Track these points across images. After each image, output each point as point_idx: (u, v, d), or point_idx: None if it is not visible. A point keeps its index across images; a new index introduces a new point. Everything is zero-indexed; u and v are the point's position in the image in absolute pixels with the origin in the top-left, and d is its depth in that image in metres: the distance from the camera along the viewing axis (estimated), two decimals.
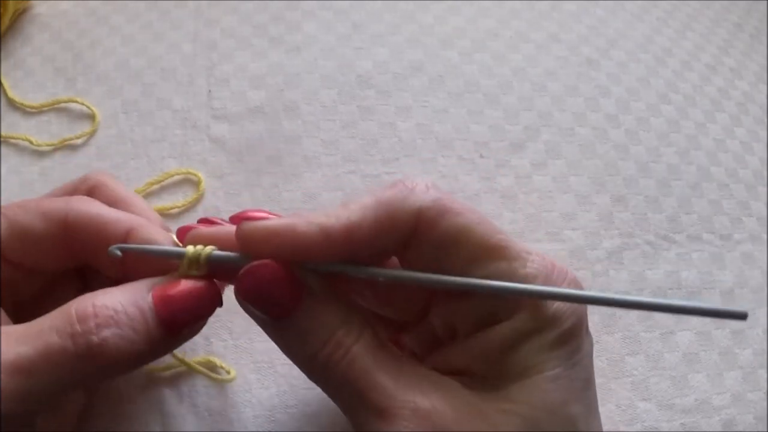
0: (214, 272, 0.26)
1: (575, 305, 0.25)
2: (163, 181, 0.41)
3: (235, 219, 0.27)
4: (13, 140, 0.43)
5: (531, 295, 0.24)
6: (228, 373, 0.35)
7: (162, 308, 0.24)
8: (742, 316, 0.23)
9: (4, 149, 0.43)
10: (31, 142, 0.42)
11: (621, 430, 0.37)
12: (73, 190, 0.31)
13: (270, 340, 0.37)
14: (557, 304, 0.24)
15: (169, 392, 0.35)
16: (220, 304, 0.26)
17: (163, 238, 0.27)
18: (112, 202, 0.29)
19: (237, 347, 0.36)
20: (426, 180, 0.25)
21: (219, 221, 0.29)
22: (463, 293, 0.25)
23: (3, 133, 0.43)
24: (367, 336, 0.24)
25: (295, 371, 0.36)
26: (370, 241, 0.24)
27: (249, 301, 0.24)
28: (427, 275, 0.24)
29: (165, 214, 0.40)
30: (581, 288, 0.26)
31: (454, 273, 0.24)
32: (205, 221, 0.30)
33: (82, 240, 0.27)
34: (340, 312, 0.24)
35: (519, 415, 0.23)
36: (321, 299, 0.24)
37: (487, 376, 0.24)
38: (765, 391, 0.40)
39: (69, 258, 0.28)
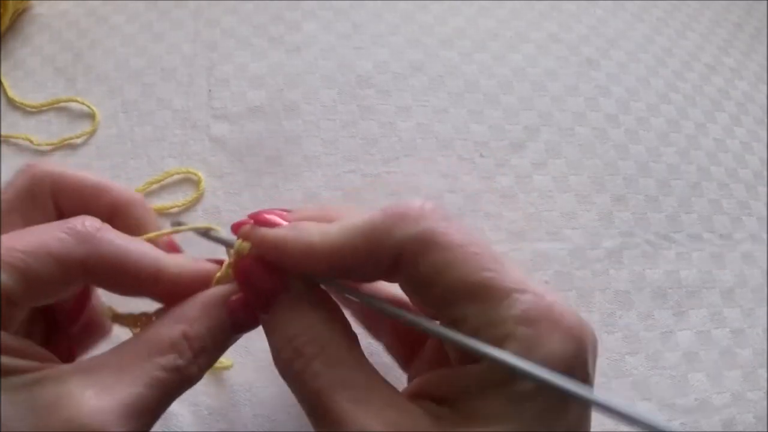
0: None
1: (575, 345, 0.22)
2: (163, 180, 0.41)
3: (253, 218, 0.27)
4: (13, 140, 0.43)
5: (492, 359, 0.21)
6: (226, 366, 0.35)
7: (237, 322, 0.25)
8: None
9: (4, 149, 0.43)
10: (31, 142, 0.42)
11: (621, 429, 0.37)
12: (30, 195, 0.27)
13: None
14: (544, 354, 0.21)
15: None
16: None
17: (193, 266, 0.27)
18: (83, 194, 0.28)
19: (237, 346, 0.36)
20: (426, 203, 0.24)
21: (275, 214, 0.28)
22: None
23: (3, 133, 0.43)
24: (331, 350, 0.23)
25: None
26: (352, 266, 0.24)
27: (241, 289, 0.25)
28: (394, 309, 0.24)
29: (165, 214, 0.40)
30: (579, 335, 0.22)
31: (433, 311, 0.23)
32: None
33: (104, 281, 0.26)
34: (308, 319, 0.24)
35: None
36: (294, 301, 0.24)
37: (459, 410, 0.23)
38: (765, 390, 0.39)
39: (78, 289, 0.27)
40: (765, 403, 0.39)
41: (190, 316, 0.24)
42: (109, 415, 0.21)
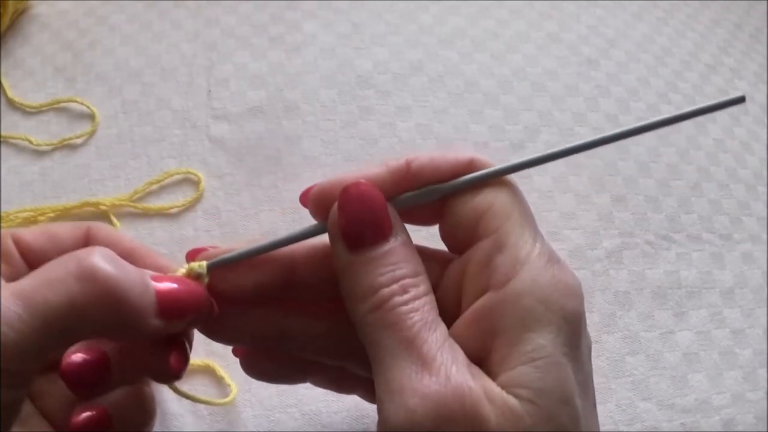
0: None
1: (576, 296, 0.25)
2: (162, 180, 0.41)
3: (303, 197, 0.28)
4: (13, 140, 0.43)
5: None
6: (229, 386, 0.35)
7: (158, 287, 0.24)
8: (740, 100, 0.24)
9: (4, 149, 0.42)
10: (30, 142, 0.42)
11: (621, 429, 0.37)
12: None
13: None
14: (560, 283, 0.24)
15: (168, 391, 0.35)
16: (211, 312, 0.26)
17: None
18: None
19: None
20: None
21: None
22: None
23: (3, 133, 0.43)
24: (432, 297, 0.25)
25: None
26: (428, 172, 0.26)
27: (353, 215, 0.25)
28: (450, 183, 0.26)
29: (164, 214, 0.40)
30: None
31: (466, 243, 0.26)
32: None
33: None
34: (419, 264, 0.25)
35: (533, 403, 0.22)
36: (407, 246, 0.25)
37: (499, 357, 0.24)
38: (765, 390, 0.40)
39: None
40: (765, 403, 0.39)
41: None
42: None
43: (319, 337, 0.28)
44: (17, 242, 0.27)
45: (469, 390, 0.22)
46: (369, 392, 0.31)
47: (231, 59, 0.47)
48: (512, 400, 0.22)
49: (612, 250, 0.42)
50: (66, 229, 0.28)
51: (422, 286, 0.24)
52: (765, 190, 0.48)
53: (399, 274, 0.24)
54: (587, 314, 0.40)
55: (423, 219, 0.27)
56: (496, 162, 0.27)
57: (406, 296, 0.24)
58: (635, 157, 0.47)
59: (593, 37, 0.53)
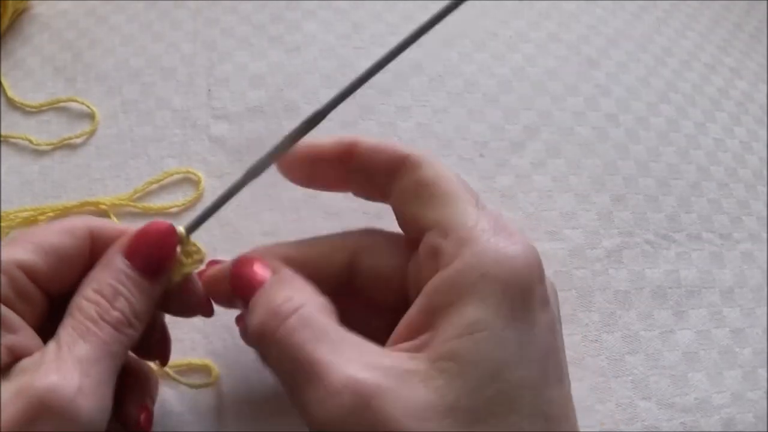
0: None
1: (518, 266, 0.24)
2: (162, 180, 0.41)
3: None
4: (12, 140, 0.43)
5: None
6: (209, 368, 0.35)
7: (137, 261, 0.26)
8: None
9: (4, 149, 0.43)
10: (30, 142, 0.42)
11: (621, 429, 0.37)
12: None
13: None
14: (501, 253, 0.24)
15: (168, 391, 0.35)
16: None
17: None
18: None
19: (237, 346, 0.36)
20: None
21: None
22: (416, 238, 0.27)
23: (3, 133, 0.43)
24: (308, 309, 0.25)
25: None
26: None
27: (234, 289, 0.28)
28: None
29: (164, 214, 0.40)
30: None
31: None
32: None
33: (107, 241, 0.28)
34: (287, 291, 0.26)
35: (460, 376, 0.22)
36: (275, 281, 0.27)
37: (434, 334, 0.24)
38: (765, 390, 0.40)
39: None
40: (765, 402, 0.39)
41: (94, 277, 0.26)
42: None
43: None
44: (23, 269, 0.25)
45: (373, 390, 0.22)
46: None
47: (231, 59, 0.47)
48: (437, 377, 0.22)
49: (612, 249, 0.42)
50: (69, 244, 0.27)
51: (295, 303, 0.25)
52: (765, 189, 0.48)
53: (267, 305, 0.26)
54: (587, 313, 0.40)
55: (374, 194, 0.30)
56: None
57: (276, 321, 0.25)
58: (635, 156, 0.47)
59: (593, 37, 0.53)
